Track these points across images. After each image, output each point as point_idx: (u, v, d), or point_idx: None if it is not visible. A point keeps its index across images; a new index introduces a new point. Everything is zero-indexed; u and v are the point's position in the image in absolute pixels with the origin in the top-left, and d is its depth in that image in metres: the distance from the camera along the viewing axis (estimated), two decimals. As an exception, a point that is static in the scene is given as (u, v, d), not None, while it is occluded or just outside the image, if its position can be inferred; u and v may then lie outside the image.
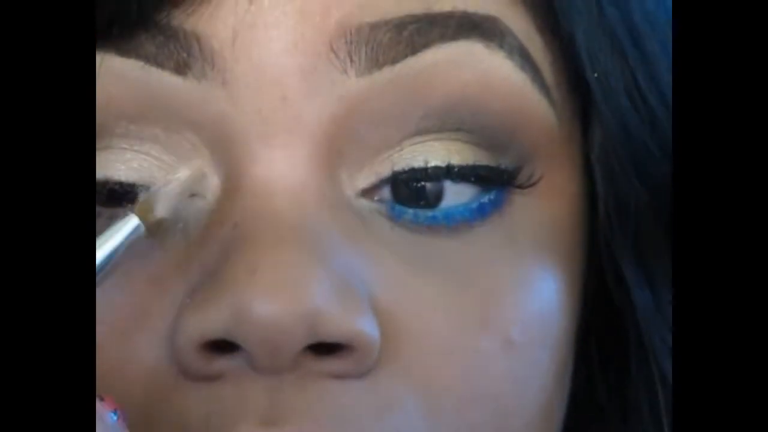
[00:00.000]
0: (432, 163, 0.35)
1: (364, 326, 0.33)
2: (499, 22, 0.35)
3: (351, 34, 0.33)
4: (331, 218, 0.34)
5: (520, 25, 0.36)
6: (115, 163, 0.34)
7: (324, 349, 0.33)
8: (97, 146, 0.34)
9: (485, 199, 0.35)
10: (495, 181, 0.36)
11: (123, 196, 0.34)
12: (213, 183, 0.34)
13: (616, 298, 0.39)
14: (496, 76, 0.35)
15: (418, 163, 0.35)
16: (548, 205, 0.37)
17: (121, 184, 0.34)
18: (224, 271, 0.32)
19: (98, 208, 0.34)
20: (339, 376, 0.33)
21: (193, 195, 0.34)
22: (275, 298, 0.31)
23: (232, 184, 0.34)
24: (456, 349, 0.34)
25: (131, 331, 0.33)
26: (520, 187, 0.36)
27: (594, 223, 0.39)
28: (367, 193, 0.35)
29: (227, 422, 0.32)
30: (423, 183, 0.35)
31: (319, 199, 0.34)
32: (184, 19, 0.33)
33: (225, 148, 0.34)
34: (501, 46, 0.35)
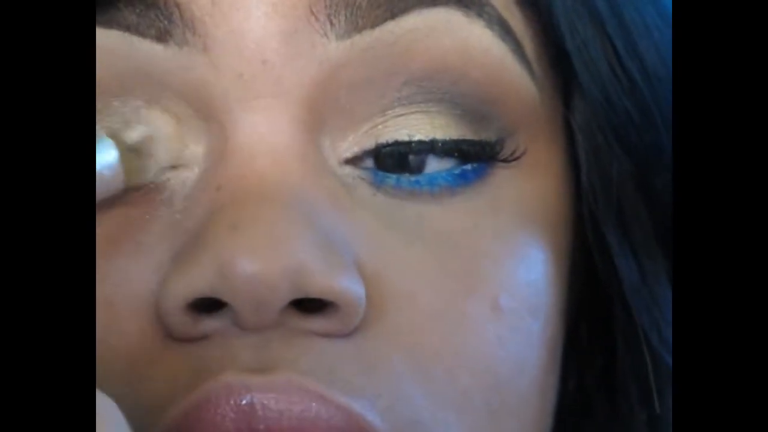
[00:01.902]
0: (416, 137, 0.35)
1: (349, 283, 0.33)
2: None
3: None
4: (314, 182, 0.34)
5: None
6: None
7: (309, 307, 0.33)
8: None
9: (468, 166, 0.36)
10: (478, 155, 0.36)
11: None
12: (197, 152, 0.34)
13: (601, 270, 0.39)
14: (475, 45, 0.35)
15: (401, 136, 0.35)
16: (532, 178, 0.37)
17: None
18: (207, 231, 0.32)
19: None
20: (325, 335, 0.33)
21: (177, 166, 0.34)
22: (258, 253, 0.31)
23: (216, 151, 0.34)
24: (443, 312, 0.34)
25: (116, 299, 0.33)
26: (504, 161, 0.36)
27: (579, 196, 0.39)
28: (350, 161, 0.35)
29: (214, 371, 0.32)
30: (407, 155, 0.35)
31: (303, 163, 0.34)
32: None
33: (207, 115, 0.34)
34: (480, 15, 0.35)
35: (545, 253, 0.37)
